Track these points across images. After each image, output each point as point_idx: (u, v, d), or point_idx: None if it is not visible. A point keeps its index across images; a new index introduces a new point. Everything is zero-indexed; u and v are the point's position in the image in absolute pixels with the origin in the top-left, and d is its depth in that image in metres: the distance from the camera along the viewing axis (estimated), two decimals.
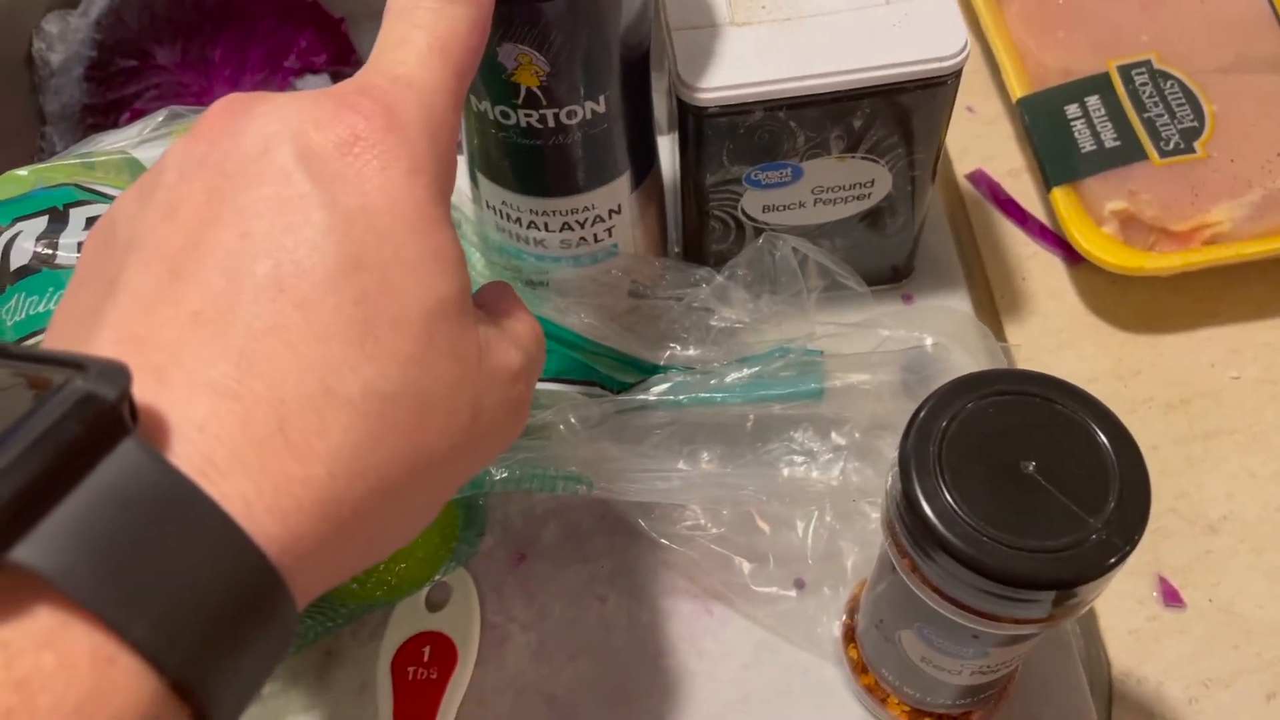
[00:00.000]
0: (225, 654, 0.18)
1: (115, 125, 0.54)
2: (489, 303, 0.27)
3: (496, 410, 0.25)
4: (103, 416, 0.17)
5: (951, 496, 0.26)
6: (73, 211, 0.36)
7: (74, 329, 0.22)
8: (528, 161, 0.36)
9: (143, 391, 0.19)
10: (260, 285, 0.21)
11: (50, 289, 0.34)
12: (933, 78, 0.36)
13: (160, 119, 0.42)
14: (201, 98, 0.68)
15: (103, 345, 0.20)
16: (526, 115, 0.34)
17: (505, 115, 0.34)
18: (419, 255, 0.22)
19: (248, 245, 0.21)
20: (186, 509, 0.18)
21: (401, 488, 0.22)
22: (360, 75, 0.24)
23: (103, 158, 0.39)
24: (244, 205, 0.21)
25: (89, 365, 0.18)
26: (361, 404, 0.21)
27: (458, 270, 0.23)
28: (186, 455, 0.19)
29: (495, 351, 0.25)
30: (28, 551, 0.16)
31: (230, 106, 0.23)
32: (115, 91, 0.67)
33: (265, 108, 0.23)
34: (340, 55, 0.72)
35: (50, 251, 0.35)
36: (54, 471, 0.17)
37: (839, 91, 0.36)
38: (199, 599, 0.17)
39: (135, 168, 0.39)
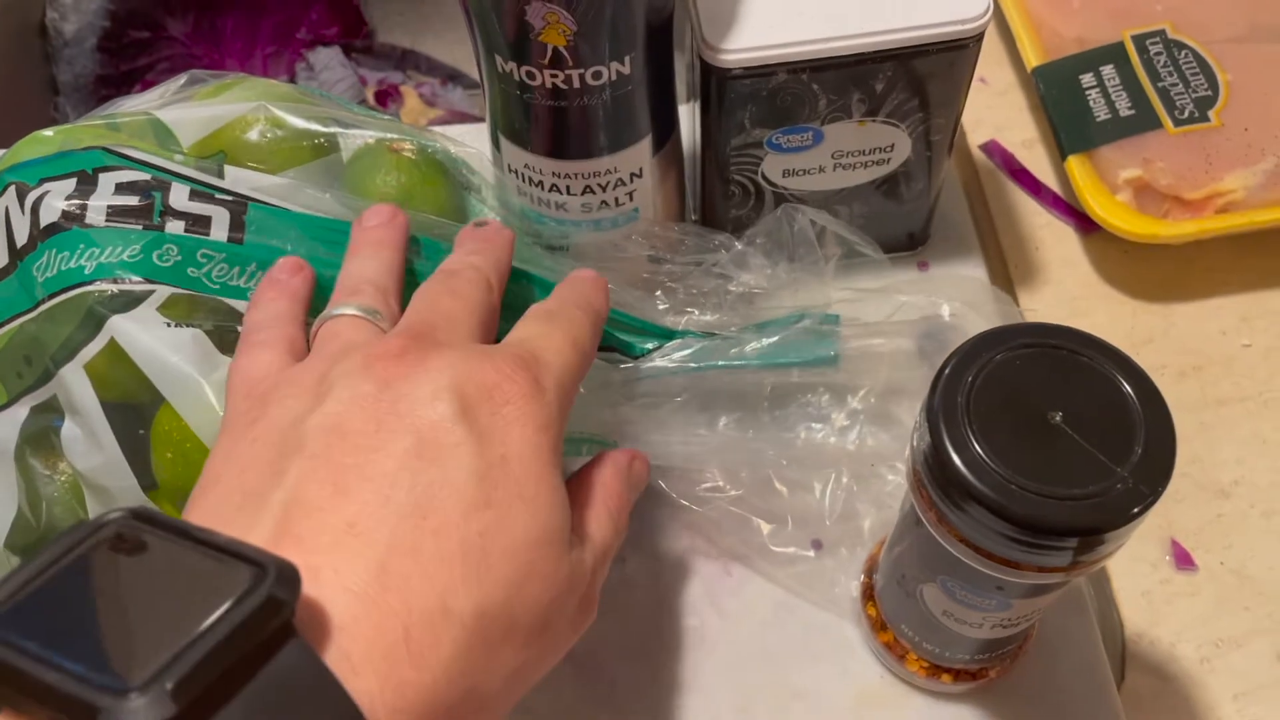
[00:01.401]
0: None
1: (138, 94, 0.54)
2: (585, 488, 0.32)
3: (572, 614, 0.29)
4: (281, 618, 0.21)
5: (980, 447, 0.27)
6: (102, 176, 0.36)
7: (239, 505, 0.26)
8: (551, 123, 0.36)
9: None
10: (407, 511, 0.25)
11: (80, 245, 0.34)
12: (955, 40, 0.37)
13: (182, 82, 0.42)
14: (213, 68, 0.68)
15: (264, 531, 0.24)
16: (552, 76, 0.34)
17: (531, 76, 0.34)
18: (535, 494, 0.27)
19: (405, 476, 0.25)
20: (333, 704, 0.21)
21: (486, 690, 0.25)
22: (514, 348, 0.29)
23: (127, 119, 0.39)
24: (409, 445, 0.26)
25: (269, 566, 0.21)
26: (470, 622, 0.25)
27: (562, 506, 0.28)
28: (329, 651, 0.22)
29: (581, 564, 0.29)
30: None
31: (407, 353, 0.28)
32: (128, 63, 0.67)
33: (439, 363, 0.28)
34: (351, 27, 0.72)
35: (80, 211, 0.35)
36: (238, 666, 0.20)
37: (862, 53, 0.37)
38: None
39: (160, 129, 0.39)
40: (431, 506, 0.25)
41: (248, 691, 0.20)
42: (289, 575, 0.21)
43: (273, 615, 0.20)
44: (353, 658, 0.22)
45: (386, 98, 0.72)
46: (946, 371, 0.28)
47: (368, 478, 0.25)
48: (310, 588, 0.22)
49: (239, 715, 0.19)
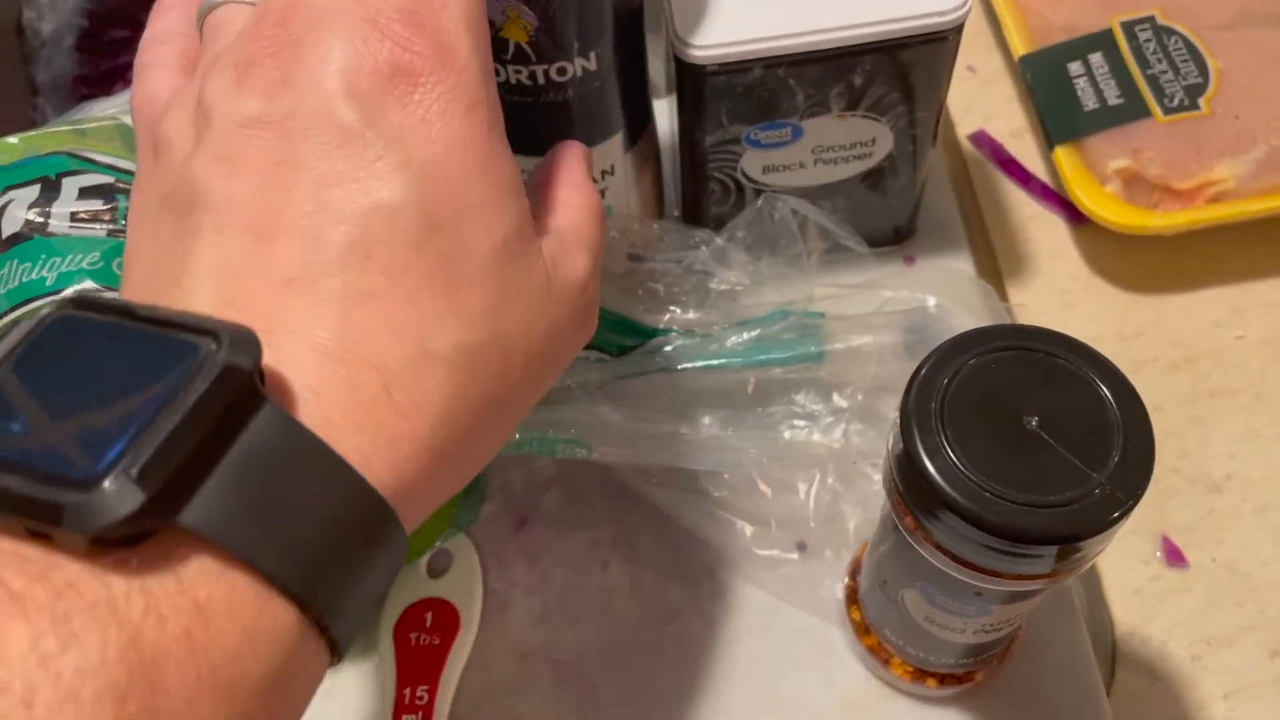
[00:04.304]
0: (356, 590, 0.20)
1: (108, 96, 0.53)
2: (545, 190, 0.27)
3: (570, 324, 0.26)
4: (244, 386, 0.19)
5: (954, 453, 0.26)
6: (65, 181, 0.36)
7: (163, 287, 0.22)
8: (518, 119, 0.35)
9: None
10: (346, 253, 0.21)
11: (42, 256, 0.33)
12: (934, 33, 0.36)
13: None
14: None
15: (202, 303, 0.21)
16: (516, 72, 0.34)
17: (495, 72, 0.34)
18: (483, 198, 0.23)
19: (328, 214, 0.22)
20: (319, 466, 0.20)
21: (490, 420, 0.24)
22: None
23: (93, 124, 0.38)
24: (318, 174, 0.22)
25: (221, 333, 0.19)
26: (454, 359, 0.22)
27: (516, 200, 0.24)
28: (306, 416, 0.20)
29: (562, 267, 0.25)
30: (194, 516, 0.18)
31: (280, 50, 0.22)
32: (108, 62, 0.66)
33: (315, 57, 0.22)
34: None
35: (43, 220, 0.34)
36: (207, 441, 0.18)
37: (839, 48, 0.36)
38: (337, 547, 0.20)
39: (127, 134, 0.38)
40: (374, 244, 0.22)
41: (224, 466, 0.18)
42: (244, 339, 0.19)
43: (233, 382, 0.18)
44: (334, 419, 0.20)
45: None
46: (921, 375, 0.28)
47: (287, 223, 0.22)
48: (270, 355, 0.20)
49: (220, 491, 0.18)
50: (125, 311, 0.19)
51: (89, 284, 0.33)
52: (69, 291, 0.20)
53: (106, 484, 0.17)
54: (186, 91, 0.24)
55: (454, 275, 0.22)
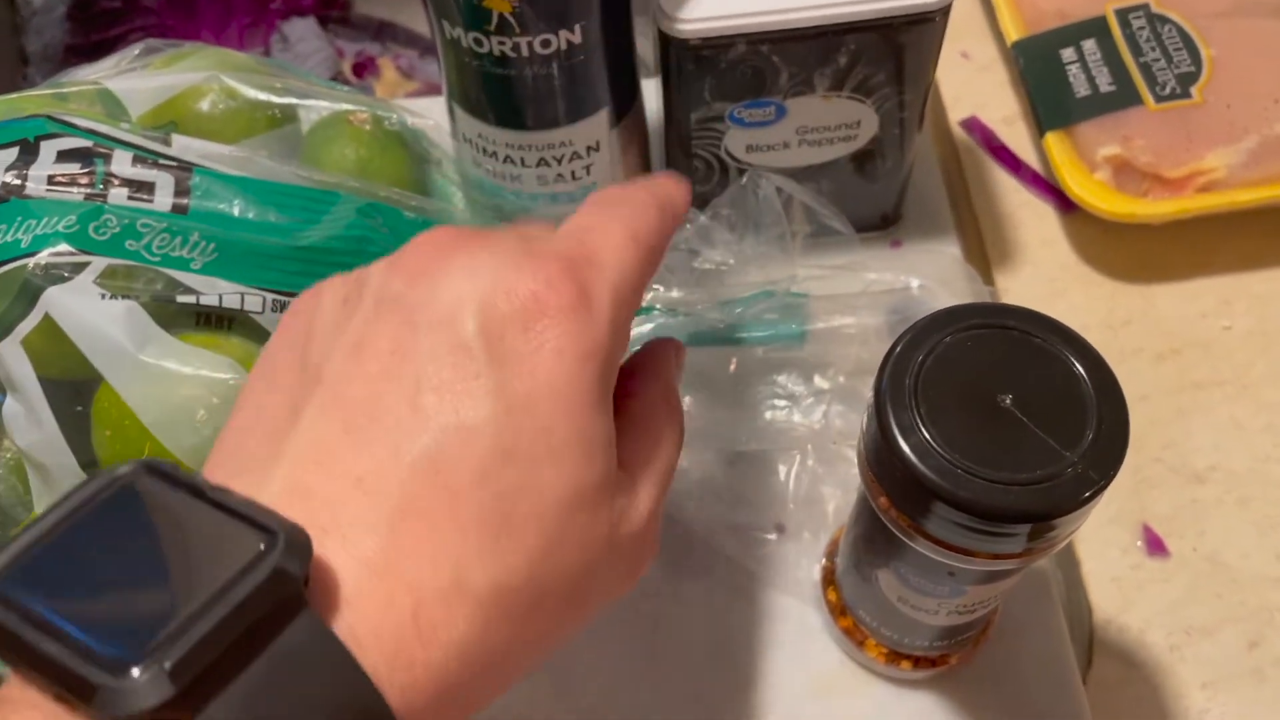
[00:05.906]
0: None
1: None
2: (630, 393, 0.27)
3: (619, 575, 0.26)
4: (289, 591, 0.19)
5: (927, 431, 0.26)
6: (44, 144, 0.35)
7: (254, 449, 0.24)
8: (502, 92, 0.35)
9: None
10: (417, 463, 0.22)
11: (18, 218, 0.33)
12: (920, 14, 0.36)
13: (136, 52, 0.41)
14: (187, 40, 0.67)
15: (276, 484, 0.22)
16: (500, 43, 0.33)
17: (478, 43, 0.33)
18: (568, 442, 0.23)
19: (416, 420, 0.22)
20: (344, 678, 0.20)
21: (508, 664, 0.23)
22: (564, 241, 0.25)
23: (75, 88, 0.38)
24: (422, 374, 0.23)
25: (278, 534, 0.20)
26: (486, 599, 0.22)
27: (603, 455, 0.24)
28: (335, 624, 0.21)
29: (627, 516, 0.25)
30: (216, 714, 0.18)
31: (437, 248, 0.25)
32: (99, 32, 0.66)
33: (465, 262, 0.24)
34: None
35: (19, 182, 0.34)
36: (243, 641, 0.19)
37: (823, 26, 0.35)
38: None
39: (108, 99, 0.38)
40: (444, 458, 0.22)
41: (254, 669, 0.19)
42: (299, 543, 0.20)
43: (279, 587, 0.19)
44: (359, 633, 0.21)
45: (364, 70, 0.71)
46: (895, 352, 0.27)
47: (377, 418, 0.22)
48: (319, 551, 0.21)
49: (242, 696, 0.19)
50: (195, 491, 0.20)
51: (64, 247, 0.33)
52: (137, 464, 0.21)
53: (139, 672, 0.18)
54: (358, 273, 0.26)
55: (511, 512, 0.22)
